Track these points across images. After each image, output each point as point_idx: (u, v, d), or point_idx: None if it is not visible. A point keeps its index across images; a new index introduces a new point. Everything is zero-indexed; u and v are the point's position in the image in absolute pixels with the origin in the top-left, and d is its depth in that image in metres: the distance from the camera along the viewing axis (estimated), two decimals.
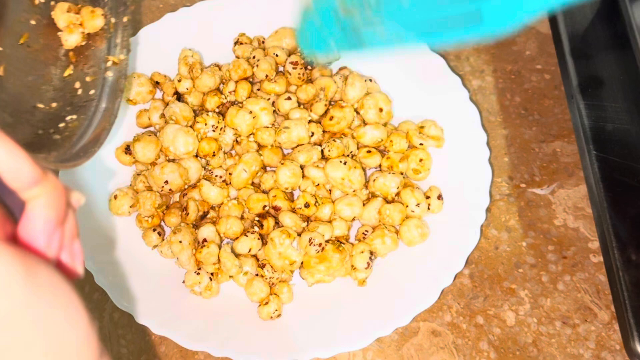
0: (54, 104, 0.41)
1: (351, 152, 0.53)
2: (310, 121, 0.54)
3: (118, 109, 0.44)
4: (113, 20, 0.48)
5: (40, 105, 0.40)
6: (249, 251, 0.50)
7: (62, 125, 0.40)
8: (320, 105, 0.54)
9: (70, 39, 0.44)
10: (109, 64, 0.46)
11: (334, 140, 0.52)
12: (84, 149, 0.39)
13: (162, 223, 0.53)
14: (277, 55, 0.57)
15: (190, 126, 0.53)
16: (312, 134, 0.54)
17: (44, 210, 0.22)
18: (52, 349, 0.21)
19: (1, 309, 0.19)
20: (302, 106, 0.56)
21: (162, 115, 0.55)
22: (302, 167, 0.52)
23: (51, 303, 0.21)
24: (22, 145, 0.35)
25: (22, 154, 0.21)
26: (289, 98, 0.55)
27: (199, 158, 0.53)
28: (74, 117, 0.41)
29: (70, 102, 0.42)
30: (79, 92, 0.43)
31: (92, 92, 0.44)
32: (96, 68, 0.45)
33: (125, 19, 0.48)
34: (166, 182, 0.51)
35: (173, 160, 0.52)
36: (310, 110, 0.55)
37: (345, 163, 0.50)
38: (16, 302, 0.19)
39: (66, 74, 0.43)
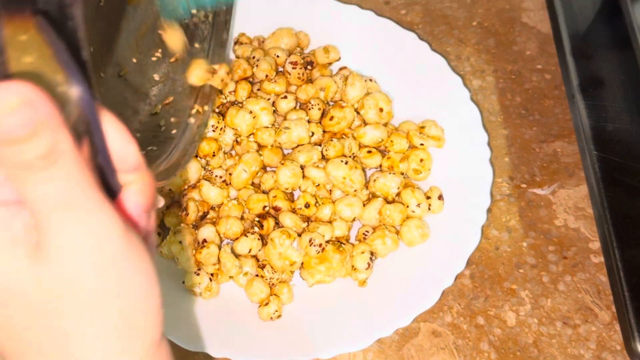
0: (137, 135, 0.42)
1: (353, 153, 0.53)
2: (309, 121, 0.54)
3: (193, 153, 0.46)
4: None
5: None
6: (249, 252, 0.49)
7: (142, 153, 0.41)
8: (315, 110, 0.54)
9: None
10: (194, 111, 0.48)
11: (331, 140, 0.52)
12: (156, 176, 0.41)
13: (162, 223, 0.53)
14: (278, 57, 0.57)
15: None
16: (312, 134, 0.54)
17: (137, 195, 0.24)
18: (128, 303, 0.22)
19: (105, 252, 0.21)
20: (301, 106, 0.56)
21: None
22: (302, 168, 0.52)
23: (140, 264, 0.23)
24: None
25: (131, 139, 0.23)
26: (285, 97, 0.55)
27: (198, 158, 0.53)
28: (155, 148, 0.43)
29: (153, 135, 0.44)
30: (162, 129, 0.45)
31: (174, 131, 0.45)
32: (181, 112, 0.47)
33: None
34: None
35: None
36: (308, 112, 0.55)
37: (346, 162, 0.50)
38: (114, 250, 0.21)
39: (154, 111, 0.44)
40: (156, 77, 0.46)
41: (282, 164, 0.51)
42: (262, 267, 0.50)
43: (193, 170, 0.52)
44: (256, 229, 0.50)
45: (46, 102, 0.19)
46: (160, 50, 0.46)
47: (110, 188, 0.23)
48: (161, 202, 0.27)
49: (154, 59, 0.46)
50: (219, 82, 0.46)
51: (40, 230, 0.21)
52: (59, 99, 0.20)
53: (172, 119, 0.46)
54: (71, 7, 0.21)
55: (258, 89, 0.56)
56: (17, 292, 0.21)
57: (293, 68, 0.56)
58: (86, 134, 0.21)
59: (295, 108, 0.56)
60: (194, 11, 0.48)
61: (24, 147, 0.19)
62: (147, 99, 0.45)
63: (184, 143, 0.45)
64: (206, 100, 0.48)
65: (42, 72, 0.20)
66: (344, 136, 0.54)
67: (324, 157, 0.53)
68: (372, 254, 0.49)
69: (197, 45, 0.48)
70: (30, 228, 0.21)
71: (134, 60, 0.45)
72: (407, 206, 0.51)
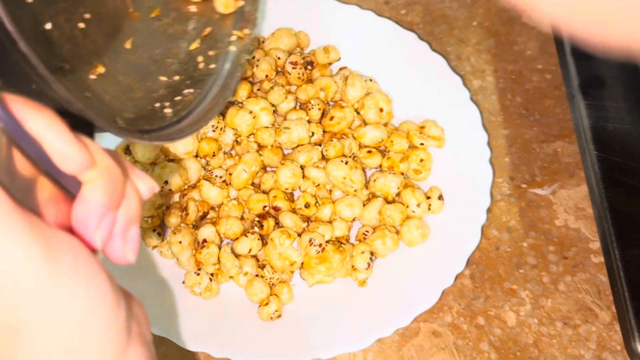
0: (176, 77, 0.41)
1: (353, 153, 0.53)
2: (309, 121, 0.54)
3: (236, 84, 0.43)
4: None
5: (164, 78, 0.40)
6: (249, 252, 0.49)
7: (178, 98, 0.40)
8: (315, 110, 0.54)
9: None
10: (233, 38, 0.45)
11: (331, 140, 0.52)
12: (190, 124, 0.39)
13: (162, 223, 0.53)
14: (279, 58, 0.57)
15: None
16: (313, 134, 0.54)
17: (95, 193, 0.23)
18: (72, 328, 0.21)
19: (21, 287, 0.20)
20: (301, 106, 0.56)
21: None
22: (302, 168, 0.52)
23: (73, 283, 0.21)
24: (134, 119, 0.35)
25: (71, 139, 0.22)
26: (285, 97, 0.55)
27: (198, 158, 0.53)
28: (191, 90, 0.41)
29: (191, 76, 0.42)
30: (200, 65, 0.43)
31: (212, 66, 0.43)
32: (220, 42, 0.44)
33: None
34: (166, 182, 0.51)
35: (173, 161, 0.52)
36: (308, 112, 0.55)
37: (346, 163, 0.50)
38: (35, 280, 0.20)
39: (192, 47, 0.43)
40: (193, 8, 0.44)
41: (282, 164, 0.51)
42: (262, 267, 0.50)
43: (193, 170, 0.52)
44: (256, 229, 0.50)
45: None
46: None
47: (70, 192, 0.22)
48: (156, 188, 0.26)
49: None
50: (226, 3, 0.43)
51: None
52: None
53: (211, 52, 0.43)
54: None
55: (258, 89, 0.56)
56: None
57: (293, 68, 0.56)
58: (12, 144, 0.20)
59: (295, 108, 0.56)
60: None
61: None
62: (185, 34, 0.43)
63: (223, 77, 0.43)
64: (246, 23, 0.45)
65: None
66: (344, 136, 0.54)
67: (324, 157, 0.53)
68: (372, 254, 0.49)
69: None
70: None
71: None
72: (407, 206, 0.51)
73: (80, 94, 0.33)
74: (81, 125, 0.23)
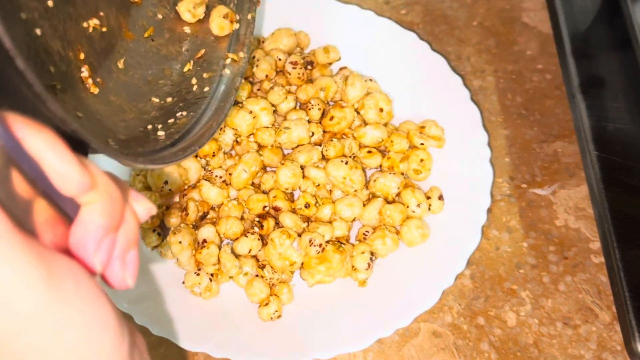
0: (169, 99, 0.40)
1: (353, 153, 0.53)
2: (309, 121, 0.54)
3: (230, 108, 0.43)
4: (237, 17, 0.46)
5: (156, 100, 0.39)
6: (249, 252, 0.49)
7: (171, 121, 0.39)
8: (315, 110, 0.54)
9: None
10: (228, 61, 0.45)
11: (331, 140, 0.52)
12: (184, 148, 0.38)
13: (162, 223, 0.52)
14: (279, 59, 0.57)
15: None
16: (312, 134, 0.53)
17: (94, 215, 0.22)
18: (72, 356, 0.21)
19: (20, 311, 0.19)
20: (301, 106, 0.56)
21: None
22: (302, 168, 0.52)
23: (74, 309, 0.20)
24: (125, 140, 0.34)
25: (72, 160, 0.21)
26: (285, 97, 0.55)
27: (198, 158, 0.53)
28: (184, 113, 0.40)
29: (184, 98, 0.41)
30: (194, 88, 0.42)
31: (206, 89, 0.43)
32: (215, 65, 0.44)
33: (249, 16, 0.47)
34: (166, 182, 0.51)
35: None
36: (308, 112, 0.55)
37: (346, 163, 0.50)
38: (34, 306, 0.19)
39: (186, 69, 0.43)
40: (187, 29, 0.44)
41: (282, 164, 0.51)
42: (262, 267, 0.50)
43: (193, 170, 0.52)
44: (256, 229, 0.50)
45: None
46: None
47: (67, 214, 0.22)
48: (153, 210, 0.26)
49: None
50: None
51: None
52: None
53: (205, 75, 0.43)
54: None
55: (258, 89, 0.56)
56: None
57: (293, 68, 0.56)
58: (11, 164, 0.19)
59: (295, 108, 0.56)
60: None
61: None
62: (178, 55, 0.43)
63: (217, 100, 0.42)
64: (241, 46, 0.45)
65: None
66: (344, 136, 0.54)
67: (323, 157, 0.53)
68: (372, 254, 0.49)
69: None
70: None
71: (160, 16, 0.41)
72: (407, 206, 0.51)
73: (72, 114, 0.32)
74: (74, 146, 0.22)
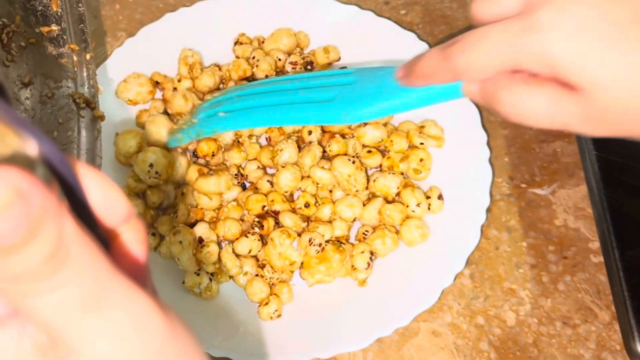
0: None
1: (357, 153, 0.53)
2: None
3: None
4: (75, 58, 0.49)
5: None
6: (249, 252, 0.49)
7: None
8: None
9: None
10: (79, 100, 0.48)
11: (334, 137, 0.52)
12: None
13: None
14: (279, 60, 0.57)
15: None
16: (310, 132, 0.53)
17: (136, 244, 0.20)
18: None
19: (149, 348, 0.17)
20: None
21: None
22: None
23: (186, 347, 0.19)
24: None
25: (117, 188, 0.19)
26: None
27: (196, 157, 0.53)
28: None
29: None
30: (56, 132, 0.45)
31: (69, 133, 0.45)
32: (67, 107, 0.47)
33: (88, 57, 0.50)
34: (151, 165, 0.49)
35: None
36: None
37: (354, 162, 0.50)
38: (161, 343, 0.18)
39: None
40: None
41: (283, 167, 0.51)
42: (262, 266, 0.50)
43: (193, 170, 0.52)
44: (256, 229, 0.50)
45: (33, 182, 0.13)
46: None
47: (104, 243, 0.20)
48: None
49: None
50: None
51: (60, 346, 0.16)
52: (24, 166, 0.14)
53: (60, 120, 0.47)
54: None
55: None
56: None
57: (293, 68, 0.56)
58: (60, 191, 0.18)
59: None
60: None
61: (21, 256, 0.13)
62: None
63: (86, 144, 0.46)
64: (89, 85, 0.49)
65: None
66: (344, 136, 0.54)
67: (324, 156, 0.53)
68: (372, 253, 0.49)
69: None
70: (44, 347, 0.16)
71: None
72: (407, 206, 0.51)
73: None
74: None
